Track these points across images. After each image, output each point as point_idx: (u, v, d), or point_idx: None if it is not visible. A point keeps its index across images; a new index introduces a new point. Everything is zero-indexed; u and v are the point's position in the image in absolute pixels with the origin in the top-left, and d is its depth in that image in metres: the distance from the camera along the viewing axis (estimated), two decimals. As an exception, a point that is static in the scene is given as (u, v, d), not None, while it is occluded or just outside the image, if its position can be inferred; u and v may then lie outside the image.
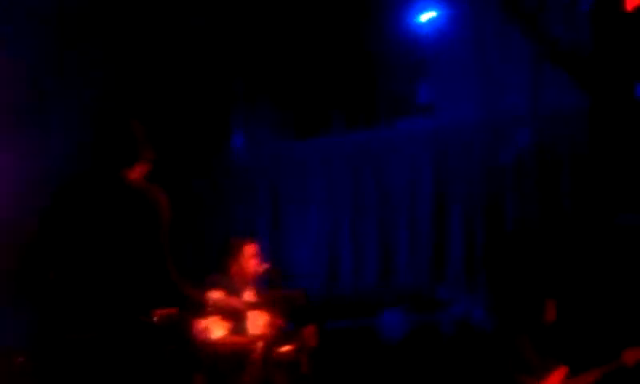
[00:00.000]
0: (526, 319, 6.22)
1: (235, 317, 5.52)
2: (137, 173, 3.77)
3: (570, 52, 7.96)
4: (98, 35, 7.98)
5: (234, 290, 5.62)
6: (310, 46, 8.98)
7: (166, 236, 3.64)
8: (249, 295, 5.74)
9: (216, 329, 5.46)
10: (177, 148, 8.27)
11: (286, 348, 5.95)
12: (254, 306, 5.63)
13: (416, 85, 8.87)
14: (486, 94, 8.18)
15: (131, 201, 3.64)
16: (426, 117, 8.65)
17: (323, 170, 8.83)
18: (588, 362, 5.94)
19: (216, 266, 5.86)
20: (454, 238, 8.28)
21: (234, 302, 5.44)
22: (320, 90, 8.96)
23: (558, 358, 6.01)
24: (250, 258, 5.82)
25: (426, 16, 8.58)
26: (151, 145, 3.86)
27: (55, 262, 3.63)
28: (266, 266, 5.90)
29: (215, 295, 5.35)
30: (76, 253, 3.59)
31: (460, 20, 8.41)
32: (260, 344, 5.64)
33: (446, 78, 8.48)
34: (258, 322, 5.72)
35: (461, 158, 8.33)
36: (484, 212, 8.17)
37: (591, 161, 7.70)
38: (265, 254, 6.29)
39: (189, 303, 3.91)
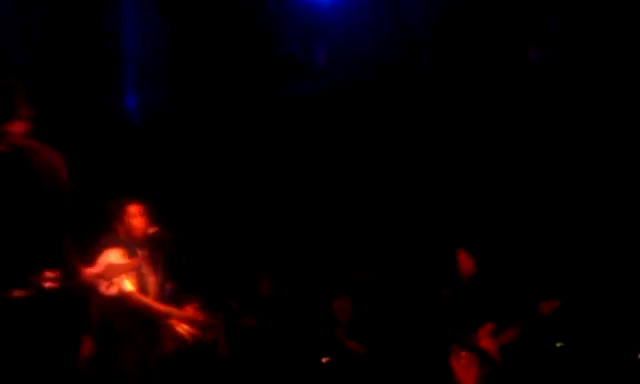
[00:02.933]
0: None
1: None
2: (17, 129, 3.64)
3: None
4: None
5: (127, 249, 5.56)
6: (205, 9, 8.90)
7: (67, 199, 3.56)
8: (142, 255, 5.68)
9: (124, 284, 5.38)
10: (64, 107, 8.09)
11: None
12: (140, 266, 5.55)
13: (311, 49, 8.93)
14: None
15: (10, 156, 3.53)
16: (320, 80, 8.74)
17: (217, 134, 8.81)
18: (510, 317, 6.44)
19: (105, 228, 5.80)
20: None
21: (125, 265, 5.31)
22: (214, 54, 8.91)
23: (481, 317, 6.45)
24: (135, 218, 5.76)
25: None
26: (30, 102, 3.74)
27: None
28: (155, 227, 5.86)
29: (112, 257, 5.29)
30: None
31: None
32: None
33: (341, 41, 8.57)
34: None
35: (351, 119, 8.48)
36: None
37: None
38: (156, 216, 6.25)
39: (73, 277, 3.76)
